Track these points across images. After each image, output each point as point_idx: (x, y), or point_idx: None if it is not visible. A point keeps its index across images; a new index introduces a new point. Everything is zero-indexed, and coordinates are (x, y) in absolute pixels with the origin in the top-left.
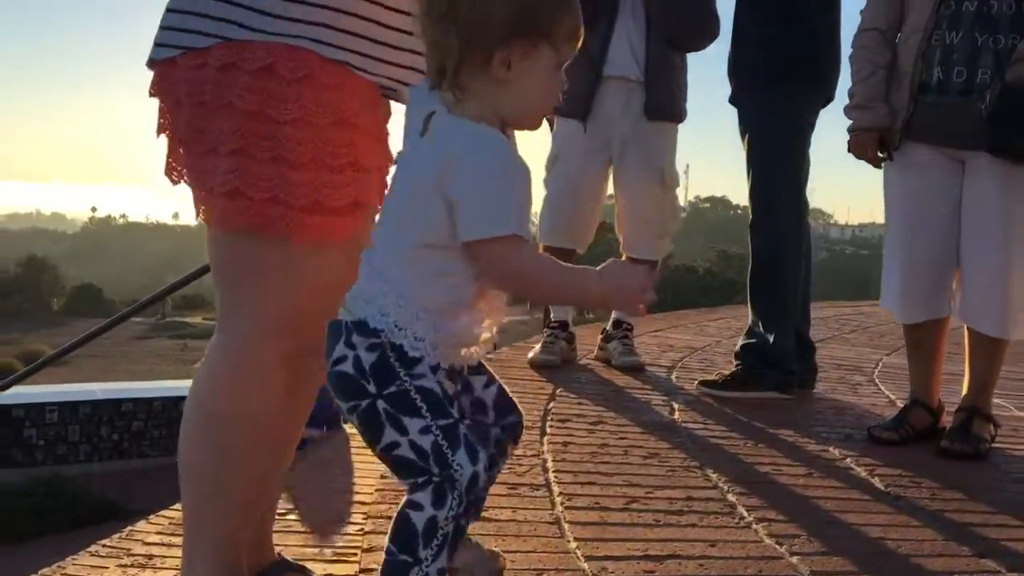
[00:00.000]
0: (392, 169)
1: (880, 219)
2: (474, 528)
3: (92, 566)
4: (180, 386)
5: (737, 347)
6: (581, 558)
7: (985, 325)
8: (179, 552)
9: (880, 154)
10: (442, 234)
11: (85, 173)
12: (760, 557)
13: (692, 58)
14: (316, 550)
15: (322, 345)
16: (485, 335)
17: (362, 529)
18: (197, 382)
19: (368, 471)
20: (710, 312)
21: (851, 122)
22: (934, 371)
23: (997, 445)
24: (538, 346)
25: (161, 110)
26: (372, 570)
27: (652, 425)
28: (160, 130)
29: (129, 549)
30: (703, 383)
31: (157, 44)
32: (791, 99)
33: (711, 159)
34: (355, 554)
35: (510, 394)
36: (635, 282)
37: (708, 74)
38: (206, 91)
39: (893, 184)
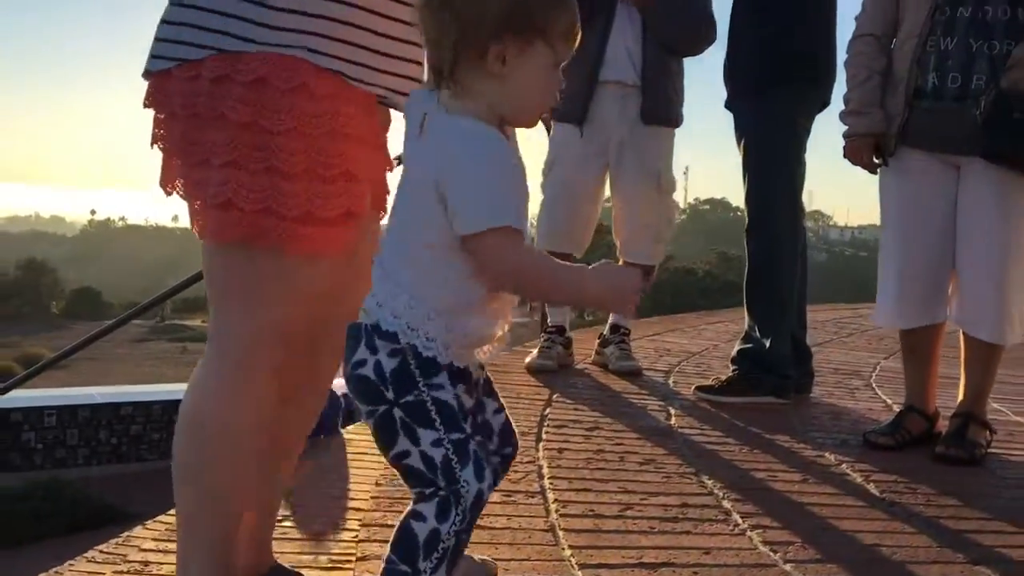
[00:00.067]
0: (391, 175)
1: (879, 221)
2: None
3: (88, 572)
4: (178, 389)
5: (734, 352)
6: (575, 566)
7: (981, 331)
8: (175, 558)
9: (876, 160)
10: (444, 233)
11: (84, 176)
12: (754, 565)
13: (692, 61)
14: (312, 557)
15: (314, 352)
16: (498, 333)
17: (357, 537)
18: (191, 390)
19: (365, 478)
20: (708, 315)
21: (847, 128)
22: (930, 376)
23: (993, 450)
24: (535, 351)
25: (156, 121)
26: None
27: (648, 430)
28: (154, 141)
29: (125, 555)
30: (700, 388)
31: (152, 56)
32: (787, 104)
33: (711, 161)
34: (350, 562)
35: (513, 426)
36: (629, 283)
37: (707, 76)
38: (199, 103)
39: (889, 190)
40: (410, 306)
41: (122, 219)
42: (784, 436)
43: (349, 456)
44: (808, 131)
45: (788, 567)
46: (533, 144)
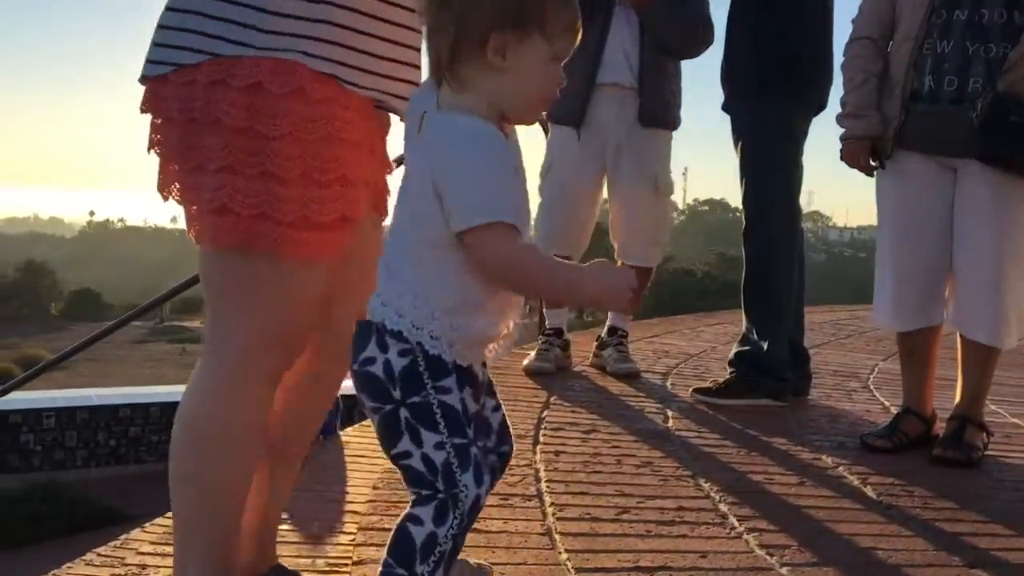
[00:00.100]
0: (391, 177)
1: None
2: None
3: (86, 575)
4: (177, 391)
5: (731, 355)
6: (571, 570)
7: (978, 333)
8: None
9: (872, 162)
10: (443, 231)
11: (83, 177)
12: (751, 568)
13: (692, 62)
14: (309, 560)
15: (317, 354)
16: (504, 331)
17: (354, 540)
18: (188, 393)
19: (362, 481)
20: (706, 317)
21: (843, 130)
22: (927, 379)
23: (990, 452)
24: (533, 353)
25: (153, 126)
26: None
27: (645, 433)
28: (151, 146)
29: (123, 558)
30: (697, 391)
31: (149, 61)
32: (784, 106)
33: (710, 162)
34: (347, 566)
35: (509, 424)
36: (624, 281)
37: (708, 77)
38: (195, 108)
39: (885, 192)
40: (414, 305)
41: (121, 220)
42: (781, 439)
43: (347, 458)
44: (805, 133)
45: (784, 570)
46: (531, 147)
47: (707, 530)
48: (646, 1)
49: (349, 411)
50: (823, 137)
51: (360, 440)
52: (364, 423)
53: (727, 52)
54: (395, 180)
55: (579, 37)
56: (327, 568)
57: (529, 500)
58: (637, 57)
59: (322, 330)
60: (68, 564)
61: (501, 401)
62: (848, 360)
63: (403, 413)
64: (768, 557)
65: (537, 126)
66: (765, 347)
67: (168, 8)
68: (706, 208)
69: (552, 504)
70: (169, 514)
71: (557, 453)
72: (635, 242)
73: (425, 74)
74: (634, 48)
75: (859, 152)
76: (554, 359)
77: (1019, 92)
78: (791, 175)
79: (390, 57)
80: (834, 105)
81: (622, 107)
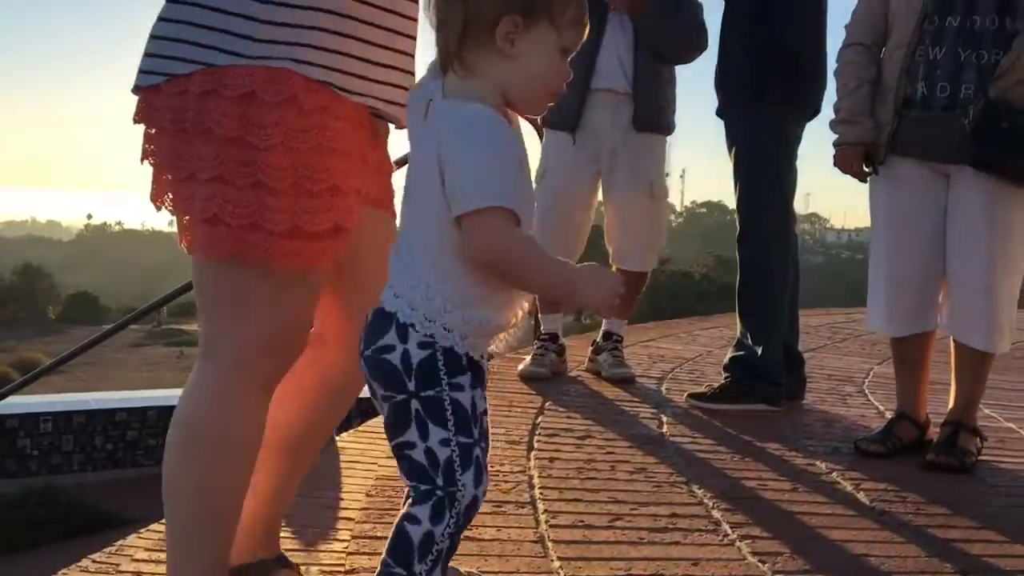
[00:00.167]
0: (395, 176)
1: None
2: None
3: None
4: (174, 395)
5: (726, 359)
6: None
7: (972, 338)
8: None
9: (866, 168)
10: (452, 221)
11: (81, 180)
12: None
13: (688, 65)
14: (303, 567)
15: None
16: (513, 320)
17: (347, 549)
18: (183, 401)
19: (356, 487)
20: (702, 321)
21: (837, 136)
22: (921, 384)
23: (984, 457)
24: (528, 358)
25: (146, 136)
26: None
27: (640, 439)
28: (144, 156)
29: (118, 565)
30: (692, 395)
31: (141, 71)
32: (777, 112)
33: (708, 164)
34: (340, 574)
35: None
36: (613, 287)
37: (704, 80)
38: (187, 118)
39: (879, 198)
40: (427, 297)
41: (119, 223)
42: (775, 444)
43: (342, 464)
44: (799, 138)
45: None
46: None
47: (700, 537)
48: (640, 7)
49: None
50: (821, 139)
51: (356, 446)
52: (360, 428)
53: (721, 58)
54: (399, 179)
55: (585, 32)
56: None
57: (522, 507)
58: (631, 63)
59: (347, 331)
60: (63, 570)
61: (496, 408)
62: (843, 364)
63: (415, 405)
64: (760, 564)
65: (532, 131)
66: (759, 352)
67: (160, 18)
68: (704, 210)
69: (545, 511)
70: (164, 520)
71: (551, 459)
72: (630, 247)
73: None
74: (628, 54)
75: (852, 158)
76: (549, 364)
77: (1011, 98)
78: (785, 180)
79: (384, 63)
80: (828, 110)
81: (617, 112)
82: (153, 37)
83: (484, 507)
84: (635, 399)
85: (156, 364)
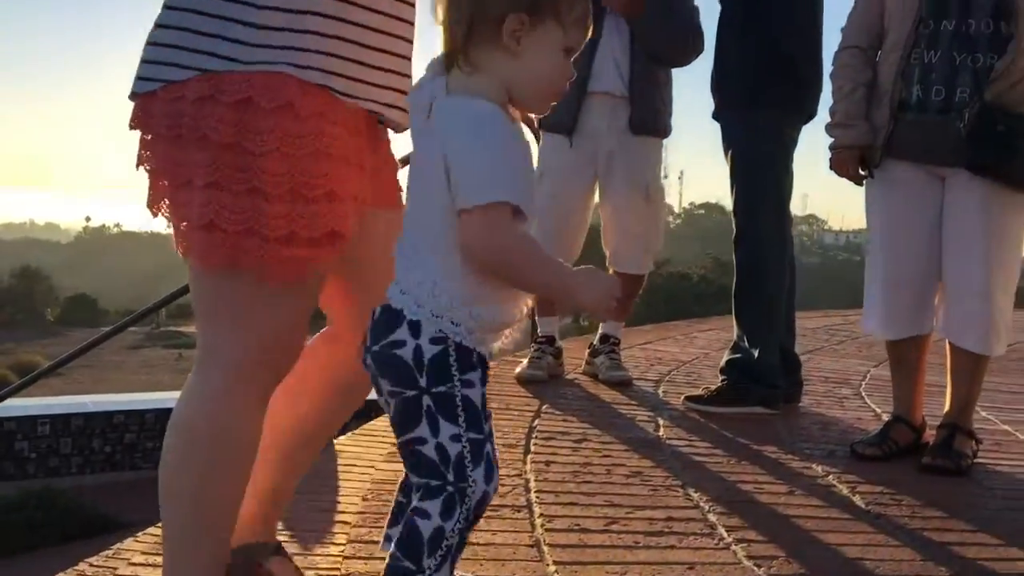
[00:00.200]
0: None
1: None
2: None
3: None
4: (171, 398)
5: (723, 362)
6: None
7: (968, 341)
8: None
9: (861, 171)
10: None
11: (79, 182)
12: None
13: (686, 67)
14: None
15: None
16: (519, 316)
17: (343, 553)
18: (180, 406)
19: (353, 490)
20: (700, 323)
21: (832, 140)
22: (917, 387)
23: (980, 460)
24: (525, 361)
25: (142, 143)
26: None
27: (636, 442)
28: (140, 162)
29: (115, 568)
30: (689, 398)
31: (138, 77)
32: (773, 115)
33: (706, 165)
34: None
35: None
36: (610, 290)
37: (702, 81)
38: (183, 124)
39: (875, 201)
40: (434, 294)
41: (117, 226)
42: (772, 447)
43: (339, 467)
44: (795, 141)
45: None
46: None
47: (696, 541)
48: (636, 10)
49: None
50: (819, 140)
51: (353, 448)
52: (358, 431)
53: (717, 61)
54: (404, 176)
55: (589, 32)
56: None
57: (519, 511)
58: (628, 66)
59: (361, 330)
60: (60, 574)
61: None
62: (840, 366)
63: (426, 401)
64: (756, 568)
65: (530, 134)
66: (756, 354)
67: (157, 25)
68: (702, 212)
69: (541, 515)
70: (160, 524)
71: (548, 463)
72: (626, 249)
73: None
74: (624, 57)
75: (848, 161)
76: (546, 367)
77: (1006, 102)
78: (781, 183)
79: (383, 67)
80: (824, 113)
81: (613, 115)
82: (150, 44)
83: None
84: (632, 402)
85: (155, 366)
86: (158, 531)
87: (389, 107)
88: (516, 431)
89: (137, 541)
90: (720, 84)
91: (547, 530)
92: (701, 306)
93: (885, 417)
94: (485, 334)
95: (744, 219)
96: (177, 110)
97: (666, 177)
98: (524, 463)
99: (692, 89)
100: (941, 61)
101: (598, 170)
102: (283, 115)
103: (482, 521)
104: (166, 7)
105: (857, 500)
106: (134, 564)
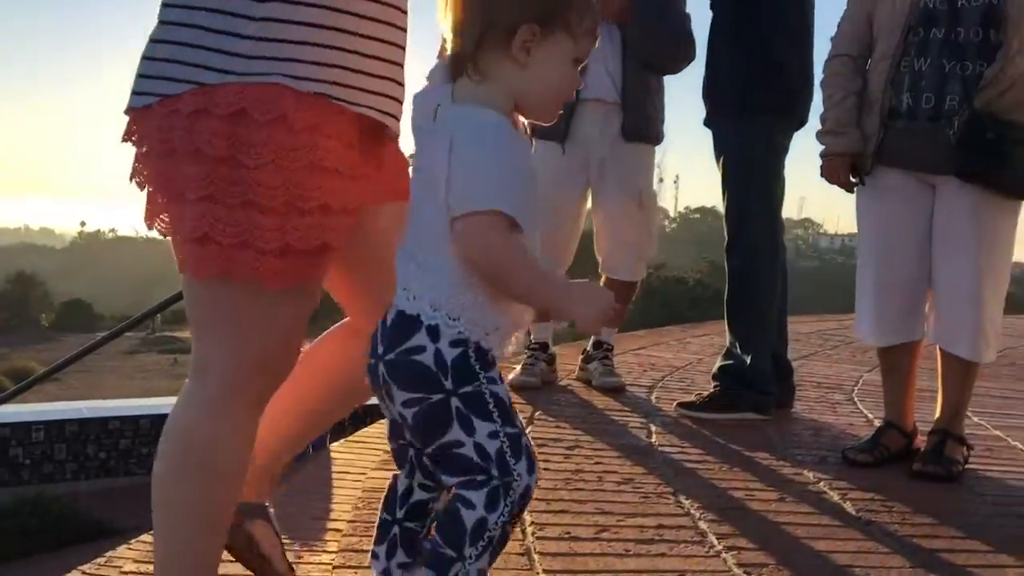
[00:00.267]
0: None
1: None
2: None
3: None
4: (166, 404)
5: (715, 368)
6: None
7: (958, 348)
8: None
9: (852, 179)
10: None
11: (74, 187)
12: None
13: (681, 72)
14: None
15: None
16: (528, 318)
17: (333, 562)
18: (175, 415)
19: (346, 497)
20: (694, 328)
21: (823, 147)
22: (908, 393)
23: (972, 465)
24: (518, 367)
25: (136, 156)
26: None
27: (628, 449)
28: (134, 175)
29: None
30: (681, 405)
31: (134, 92)
32: (765, 122)
33: (701, 170)
34: None
35: None
36: (604, 306)
37: (697, 86)
38: (175, 137)
39: (866, 208)
40: (449, 295)
41: (112, 231)
42: (763, 453)
43: (333, 474)
44: (786, 148)
45: None
46: None
47: (686, 548)
48: (624, 13)
49: (340, 423)
50: (815, 144)
51: (347, 455)
52: (351, 438)
53: (709, 68)
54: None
55: (597, 42)
56: None
57: None
58: (620, 73)
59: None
60: None
61: None
62: (833, 372)
63: (455, 403)
64: None
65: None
66: (748, 360)
67: (152, 40)
68: (697, 216)
69: (532, 523)
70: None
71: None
72: (619, 256)
73: (413, 88)
74: (616, 64)
75: (839, 169)
76: (540, 373)
77: (995, 109)
78: (772, 189)
79: (376, 74)
80: (814, 121)
81: (606, 122)
82: (145, 58)
83: None
84: (625, 408)
85: (150, 372)
86: (150, 538)
87: (384, 114)
88: None
89: (130, 548)
90: (712, 91)
91: (538, 538)
92: (697, 310)
93: (877, 423)
94: (498, 336)
95: (736, 226)
96: (170, 124)
97: (661, 181)
98: None
99: (687, 92)
100: (930, 69)
101: (591, 177)
102: (277, 128)
103: None
104: (161, 21)
105: (848, 507)
106: (125, 572)
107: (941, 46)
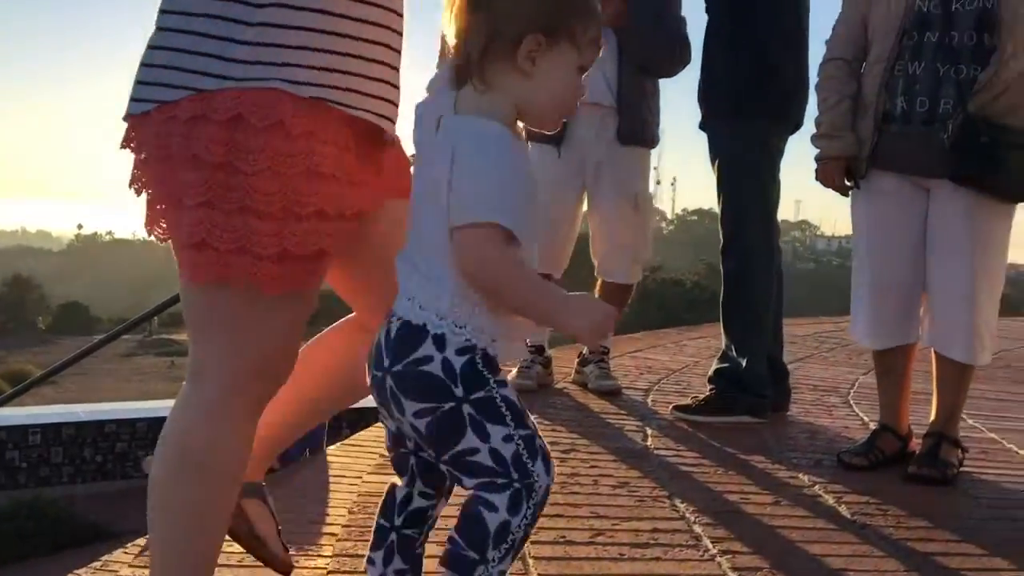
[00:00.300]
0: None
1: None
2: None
3: None
4: (163, 407)
5: (711, 371)
6: None
7: (953, 351)
8: None
9: (847, 182)
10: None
11: (71, 189)
12: None
13: (678, 75)
14: None
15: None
16: (533, 324)
17: (328, 568)
18: (172, 418)
19: (341, 501)
20: (690, 331)
21: (818, 151)
22: (903, 396)
23: (966, 468)
24: (514, 370)
25: (135, 163)
26: None
27: (624, 452)
28: (132, 182)
29: None
30: (677, 408)
31: (132, 99)
32: (760, 125)
33: (699, 172)
34: None
35: None
36: (604, 321)
37: (694, 88)
38: (172, 143)
39: (860, 212)
40: (454, 304)
41: (109, 233)
42: (759, 456)
43: (329, 478)
44: (781, 152)
45: None
46: None
47: (680, 552)
48: (620, 18)
49: (337, 426)
50: (811, 146)
51: (343, 459)
52: (347, 441)
53: (704, 71)
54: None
55: (601, 52)
56: None
57: None
58: (615, 76)
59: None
60: None
61: None
62: (829, 374)
63: (467, 409)
64: None
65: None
66: (744, 364)
67: (149, 46)
68: (695, 218)
69: None
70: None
71: None
72: (615, 259)
73: (411, 91)
74: (612, 67)
75: (834, 172)
76: (536, 376)
77: (989, 113)
78: (768, 192)
79: (373, 76)
80: (810, 124)
81: (602, 125)
82: (143, 65)
83: None
84: (621, 411)
85: (147, 374)
86: (144, 541)
87: (381, 117)
88: None
89: (125, 552)
90: (707, 94)
91: (532, 542)
92: (694, 312)
93: (872, 425)
94: (504, 343)
95: (731, 228)
96: (167, 130)
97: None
98: None
99: (685, 94)
100: (925, 73)
101: (586, 180)
102: (274, 134)
103: None
104: (159, 28)
105: (843, 510)
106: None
107: (935, 50)
